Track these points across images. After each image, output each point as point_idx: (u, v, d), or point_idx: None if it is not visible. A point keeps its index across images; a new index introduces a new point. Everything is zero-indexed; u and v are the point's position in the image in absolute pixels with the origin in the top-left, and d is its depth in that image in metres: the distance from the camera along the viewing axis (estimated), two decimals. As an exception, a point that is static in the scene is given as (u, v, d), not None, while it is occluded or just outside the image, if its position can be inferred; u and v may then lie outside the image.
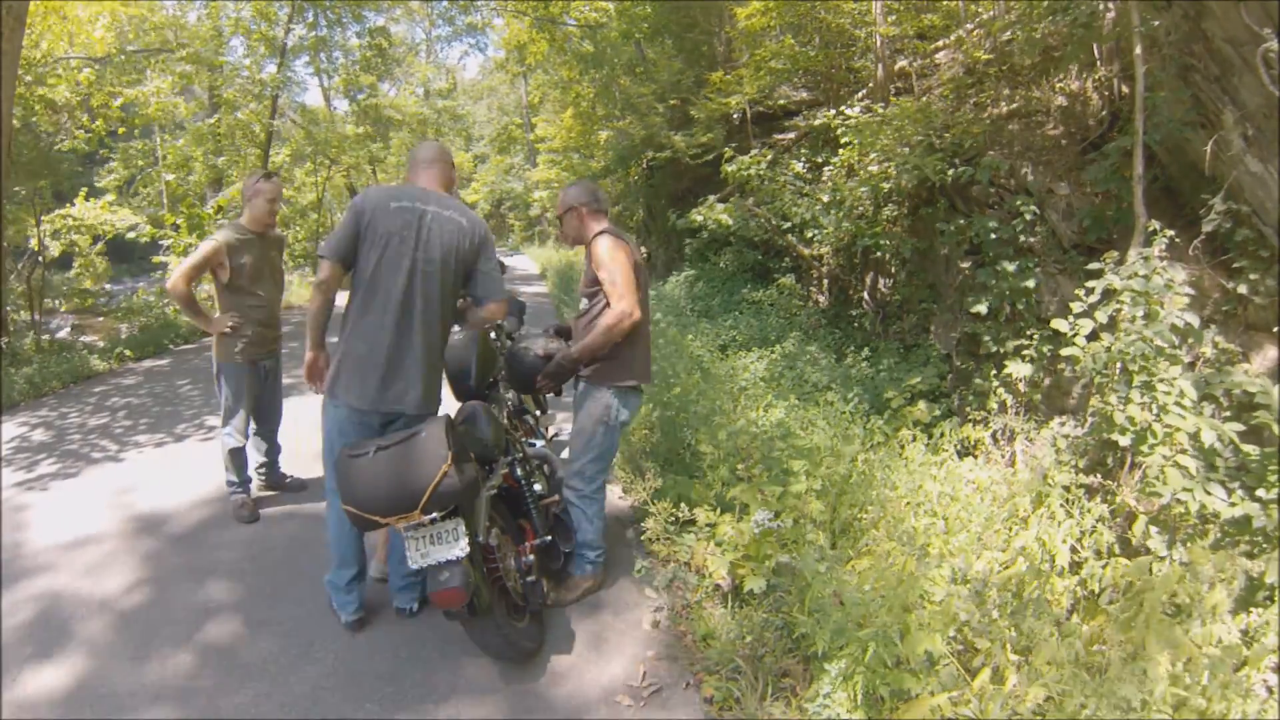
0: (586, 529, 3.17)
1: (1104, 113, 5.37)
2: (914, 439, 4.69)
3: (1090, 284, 3.87)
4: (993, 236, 5.49)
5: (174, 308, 11.48)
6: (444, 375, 2.95)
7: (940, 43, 7.81)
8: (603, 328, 2.90)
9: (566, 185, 3.21)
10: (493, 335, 3.78)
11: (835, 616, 2.34)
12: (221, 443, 3.97)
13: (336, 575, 2.95)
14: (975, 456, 4.92)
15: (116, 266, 14.42)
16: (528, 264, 24.36)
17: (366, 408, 2.63)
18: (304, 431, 5.11)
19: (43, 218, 10.67)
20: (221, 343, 3.82)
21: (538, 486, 3.17)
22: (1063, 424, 4.59)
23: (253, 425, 4.08)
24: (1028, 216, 5.31)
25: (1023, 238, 5.36)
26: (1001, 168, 5.66)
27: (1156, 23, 4.42)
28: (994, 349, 5.43)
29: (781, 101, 9.72)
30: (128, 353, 8.30)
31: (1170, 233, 3.82)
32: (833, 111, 7.30)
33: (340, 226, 2.68)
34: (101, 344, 9.39)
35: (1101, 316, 3.77)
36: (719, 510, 3.25)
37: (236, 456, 3.97)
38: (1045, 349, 4.88)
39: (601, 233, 2.98)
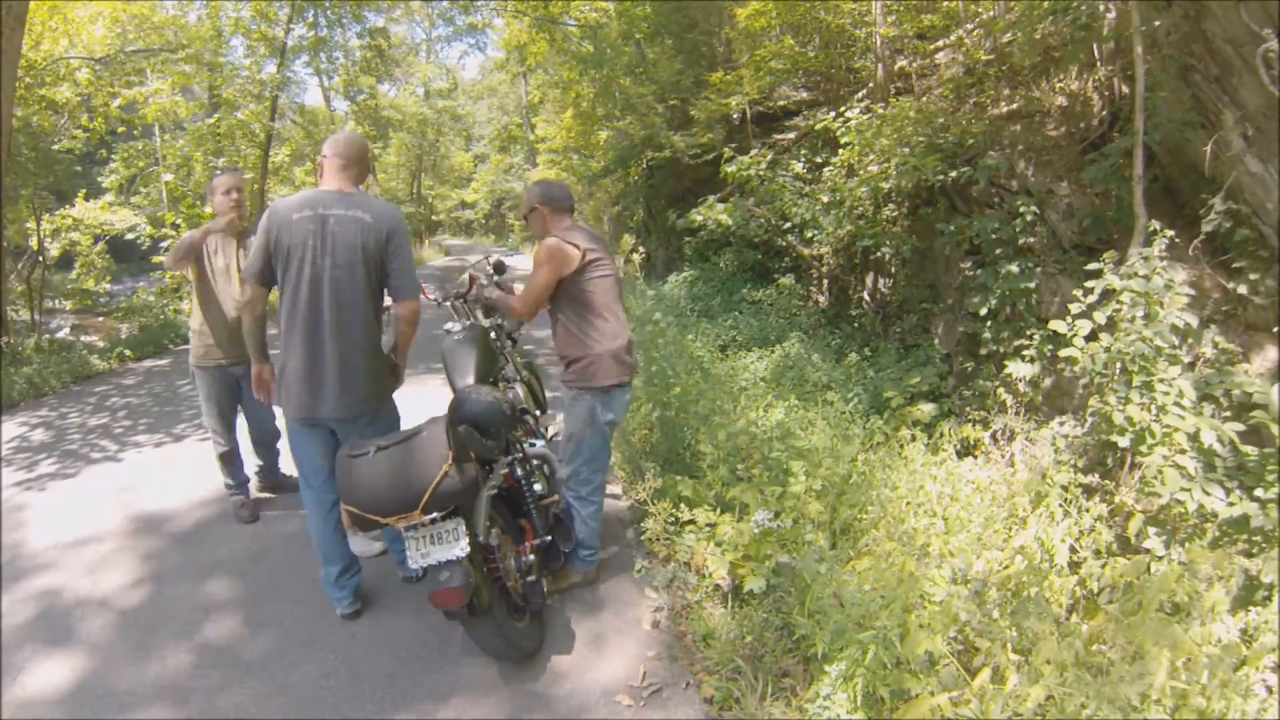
0: (581, 530, 3.21)
1: (1104, 113, 5.37)
2: (913, 439, 4.69)
3: (1089, 284, 3.87)
4: (993, 236, 5.49)
5: (174, 308, 11.50)
6: (376, 374, 2.83)
7: (940, 43, 7.81)
8: (510, 307, 3.25)
9: (531, 185, 3.28)
10: (492, 335, 3.78)
11: (835, 617, 2.34)
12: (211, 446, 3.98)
13: (325, 573, 3.03)
14: (975, 456, 4.93)
15: (117, 266, 14.37)
16: (527, 264, 24.37)
17: (303, 416, 2.71)
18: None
19: (43, 218, 10.67)
20: (193, 344, 3.79)
21: (538, 486, 3.17)
22: (1062, 424, 4.59)
23: (246, 428, 4.06)
24: (1028, 217, 5.31)
25: (1023, 238, 5.36)
26: (1001, 168, 5.66)
27: (1157, 23, 4.43)
28: (994, 349, 5.43)
29: (781, 102, 9.72)
30: (128, 353, 8.30)
31: (1170, 233, 3.82)
32: (833, 114, 7.30)
33: (254, 247, 2.70)
34: (101, 344, 9.39)
35: (1100, 317, 3.77)
36: (719, 510, 3.25)
37: (226, 460, 3.95)
38: (1046, 349, 4.88)
39: (549, 237, 3.01)
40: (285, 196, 2.82)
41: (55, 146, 10.67)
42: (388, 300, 2.86)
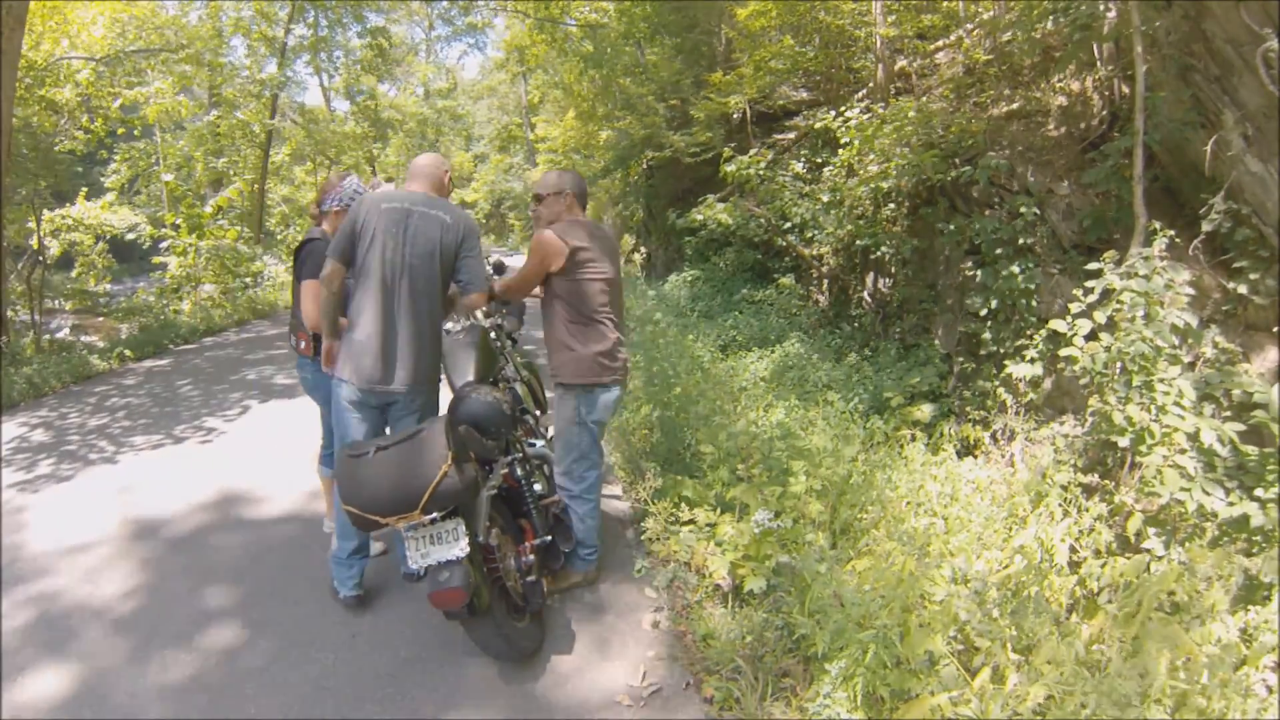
0: (579, 528, 3.20)
1: (1104, 113, 5.37)
2: (913, 439, 4.70)
3: (1090, 284, 3.88)
4: (993, 236, 5.49)
5: (174, 308, 11.51)
6: (441, 366, 3.09)
7: (940, 43, 7.81)
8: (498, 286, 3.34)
9: (561, 170, 3.31)
10: (492, 335, 3.78)
11: (835, 617, 2.35)
12: None
13: (339, 548, 3.06)
14: (975, 456, 4.93)
15: (117, 266, 14.38)
16: (528, 264, 24.35)
17: (363, 386, 2.82)
18: (304, 432, 5.11)
19: (42, 216, 10.67)
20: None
21: (538, 486, 3.17)
22: (1062, 424, 4.60)
23: None
24: (1028, 216, 5.31)
25: (1023, 238, 5.36)
26: (1001, 168, 5.66)
27: (1157, 23, 4.43)
28: (994, 349, 5.43)
29: (781, 102, 9.73)
30: (128, 353, 8.29)
31: (1170, 232, 3.82)
32: (833, 114, 7.30)
33: (340, 228, 2.93)
34: (101, 344, 9.38)
35: (1101, 317, 3.77)
36: (719, 510, 3.25)
37: None
38: (1046, 349, 4.88)
39: (545, 230, 3.06)
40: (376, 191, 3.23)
41: (56, 148, 10.66)
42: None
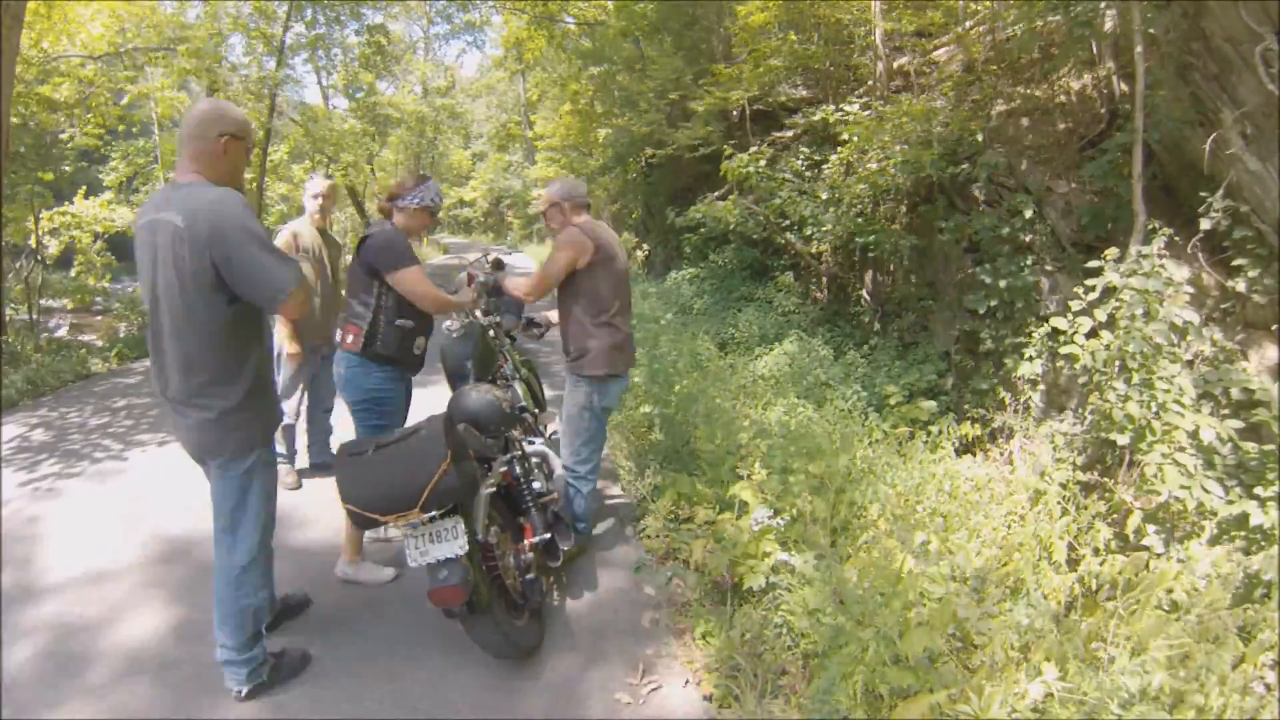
0: (580, 505, 3.41)
1: (1103, 111, 5.37)
2: (912, 436, 4.69)
3: (1090, 281, 3.88)
4: (992, 234, 5.49)
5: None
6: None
7: (939, 39, 7.81)
8: (519, 286, 3.42)
9: (550, 182, 3.49)
10: (491, 333, 3.78)
11: (834, 614, 2.35)
12: None
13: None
14: (974, 454, 4.92)
15: (117, 265, 14.33)
16: (527, 262, 24.32)
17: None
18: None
19: (40, 214, 10.64)
20: (281, 328, 4.03)
21: (536, 484, 3.17)
22: (1061, 421, 4.59)
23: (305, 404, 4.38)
24: (1027, 214, 5.31)
25: (1022, 235, 5.36)
26: (1001, 166, 5.66)
27: (1156, 21, 4.42)
28: (993, 347, 5.43)
29: (781, 99, 9.72)
30: (127, 351, 8.28)
31: (1169, 230, 3.83)
32: (832, 107, 7.29)
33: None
34: (100, 343, 9.37)
35: (1100, 314, 3.78)
36: (718, 508, 3.25)
37: (287, 432, 4.31)
38: (1046, 346, 4.88)
39: (569, 227, 3.24)
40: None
41: (62, 136, 10.63)
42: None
